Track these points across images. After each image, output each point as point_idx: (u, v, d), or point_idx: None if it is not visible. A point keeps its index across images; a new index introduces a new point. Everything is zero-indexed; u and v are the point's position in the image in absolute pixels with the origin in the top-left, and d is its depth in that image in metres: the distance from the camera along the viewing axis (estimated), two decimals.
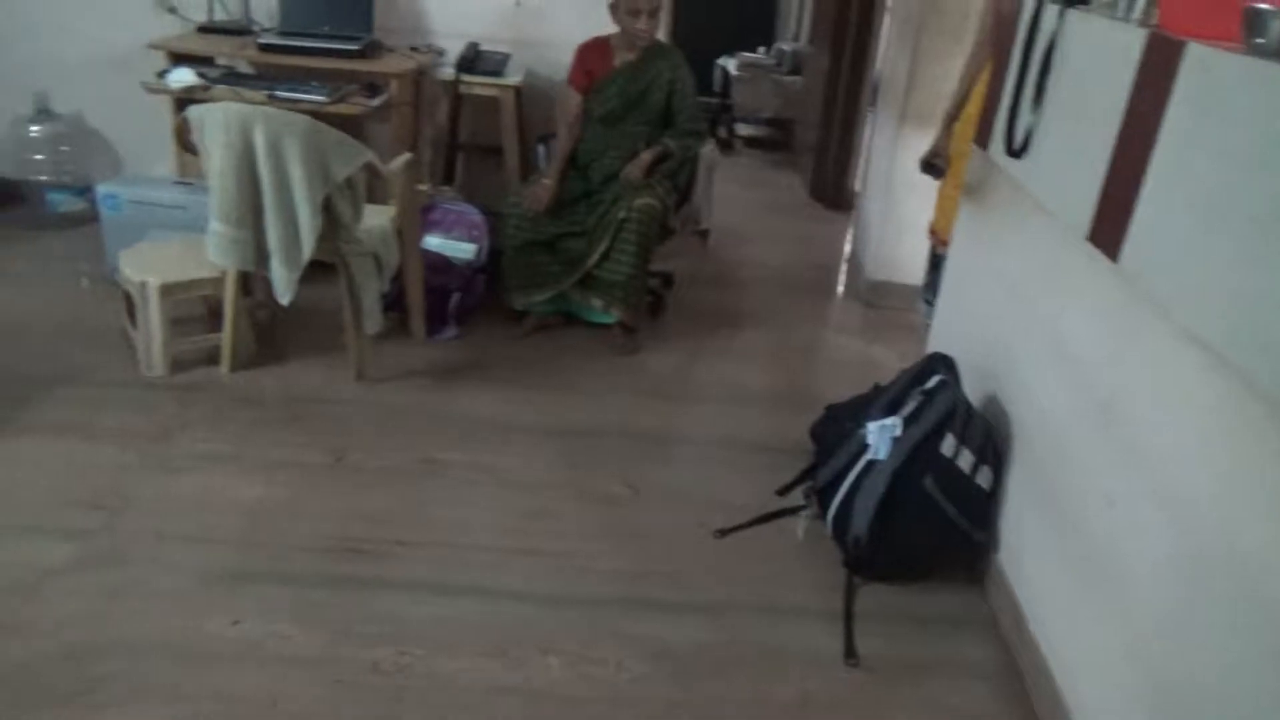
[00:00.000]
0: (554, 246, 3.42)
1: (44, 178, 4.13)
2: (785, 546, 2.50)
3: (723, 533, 2.50)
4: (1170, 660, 1.54)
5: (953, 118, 2.97)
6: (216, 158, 2.65)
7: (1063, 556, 1.99)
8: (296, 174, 2.64)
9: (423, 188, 3.51)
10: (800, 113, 6.59)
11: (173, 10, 3.90)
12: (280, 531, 2.37)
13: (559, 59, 3.78)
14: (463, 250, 3.56)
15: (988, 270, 2.63)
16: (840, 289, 4.45)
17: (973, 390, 2.47)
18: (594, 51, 3.46)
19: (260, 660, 1.97)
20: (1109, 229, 1.81)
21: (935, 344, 2.91)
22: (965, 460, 2.26)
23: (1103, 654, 1.77)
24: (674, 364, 3.47)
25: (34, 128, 4.08)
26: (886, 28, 5.11)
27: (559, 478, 2.71)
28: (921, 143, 3.34)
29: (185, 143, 2.78)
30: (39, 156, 4.12)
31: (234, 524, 2.39)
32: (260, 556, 2.28)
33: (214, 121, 2.63)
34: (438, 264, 3.46)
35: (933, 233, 3.31)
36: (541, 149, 3.75)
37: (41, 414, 2.76)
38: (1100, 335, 1.91)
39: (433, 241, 3.51)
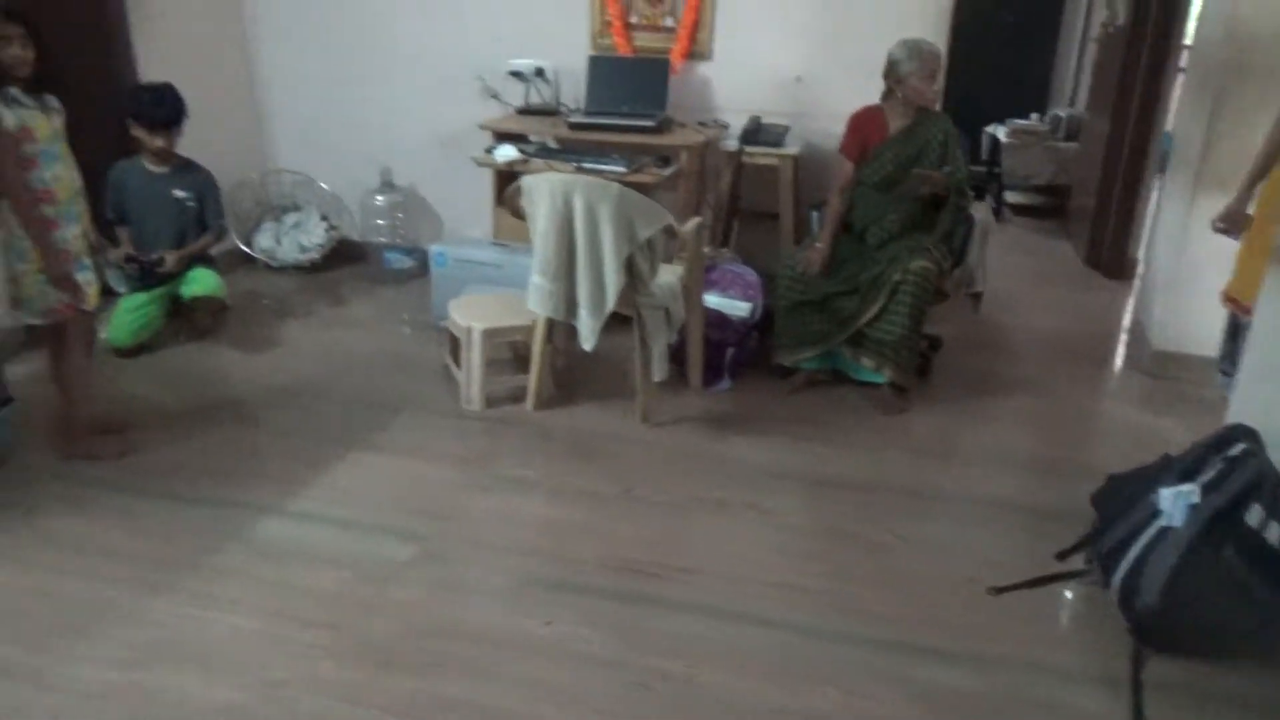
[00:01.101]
0: (825, 306, 3.57)
1: (383, 240, 4.85)
2: (1061, 610, 2.47)
3: (998, 590, 2.51)
4: None
5: (1256, 179, 2.86)
6: (542, 219, 3.06)
7: None
8: (607, 234, 2.99)
9: (705, 250, 3.81)
10: (1075, 179, 6.38)
11: (495, 96, 4.50)
12: (579, 549, 2.65)
13: (834, 129, 3.98)
14: (739, 308, 3.80)
15: None
16: (1120, 358, 4.27)
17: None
18: (868, 120, 3.62)
19: (565, 657, 2.23)
20: None
21: (1237, 416, 2.76)
22: (1275, 534, 2.16)
23: None
24: (942, 425, 3.50)
25: (378, 198, 4.81)
26: (1179, 89, 4.91)
27: (829, 524, 2.83)
28: (1218, 207, 3.21)
29: (513, 207, 3.22)
30: (380, 222, 4.85)
31: (540, 539, 2.71)
32: (563, 569, 2.57)
33: (542, 189, 3.05)
34: (715, 320, 3.71)
35: (1231, 299, 3.15)
36: (815, 214, 3.94)
37: (389, 436, 3.25)
38: None
39: (711, 299, 3.78)
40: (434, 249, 4.06)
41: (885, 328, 3.47)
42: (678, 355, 3.64)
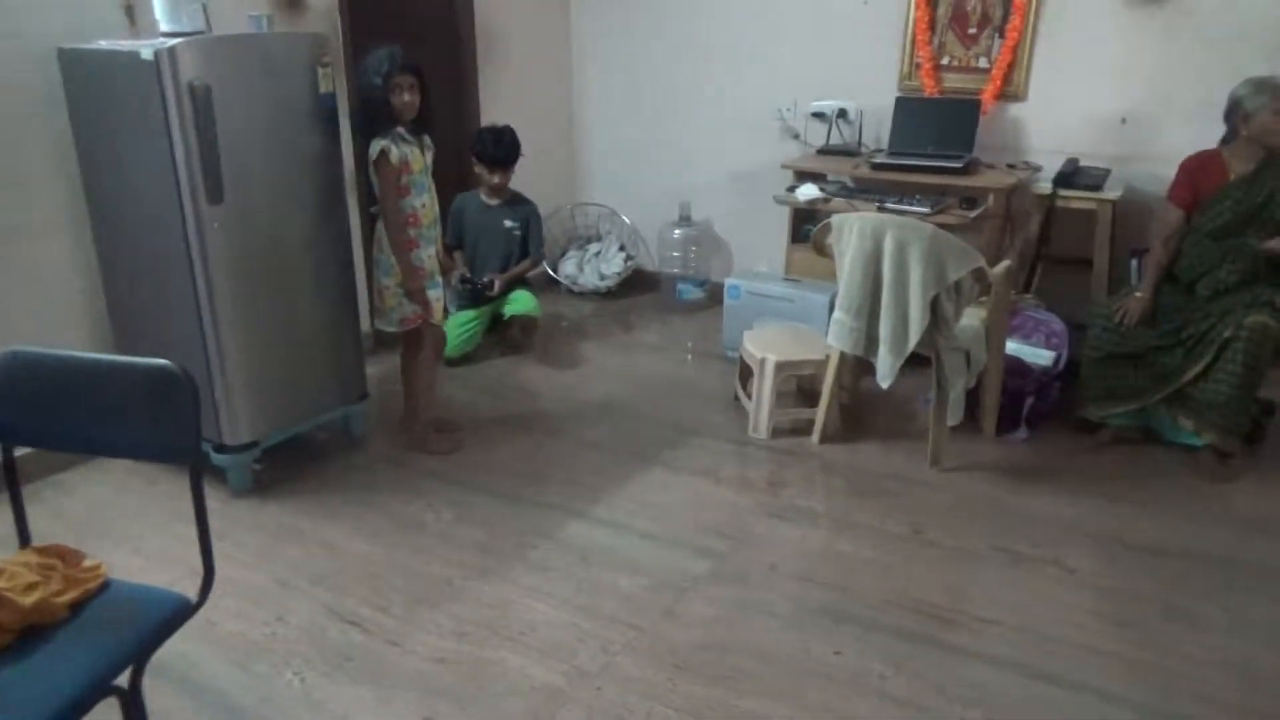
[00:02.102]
0: (1141, 359, 3.34)
1: (676, 271, 5.11)
2: None
3: None
4: None
5: None
6: (850, 257, 3.12)
7: None
8: (915, 274, 3.00)
9: (1011, 296, 3.69)
10: None
11: (796, 136, 4.63)
12: (867, 585, 2.66)
13: (1161, 173, 3.72)
14: (1040, 356, 3.64)
15: None
16: None
17: None
18: (1204, 166, 3.36)
19: (856, 688, 2.25)
20: None
21: None
22: None
23: None
24: (1273, 497, 3.15)
25: (675, 231, 5.08)
26: None
27: (1141, 590, 2.64)
28: None
29: (820, 245, 3.30)
30: (675, 254, 5.11)
31: (829, 570, 2.74)
32: (853, 602, 2.58)
33: (853, 226, 3.11)
34: (1014, 367, 3.58)
35: None
36: (1134, 262, 3.70)
37: (680, 456, 3.43)
38: None
39: (1012, 346, 3.65)
40: (729, 281, 4.23)
41: (1212, 387, 3.19)
42: (972, 400, 3.54)
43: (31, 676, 1.46)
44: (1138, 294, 3.39)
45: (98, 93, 2.91)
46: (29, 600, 1.54)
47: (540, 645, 2.40)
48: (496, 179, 4.25)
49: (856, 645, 2.40)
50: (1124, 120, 3.97)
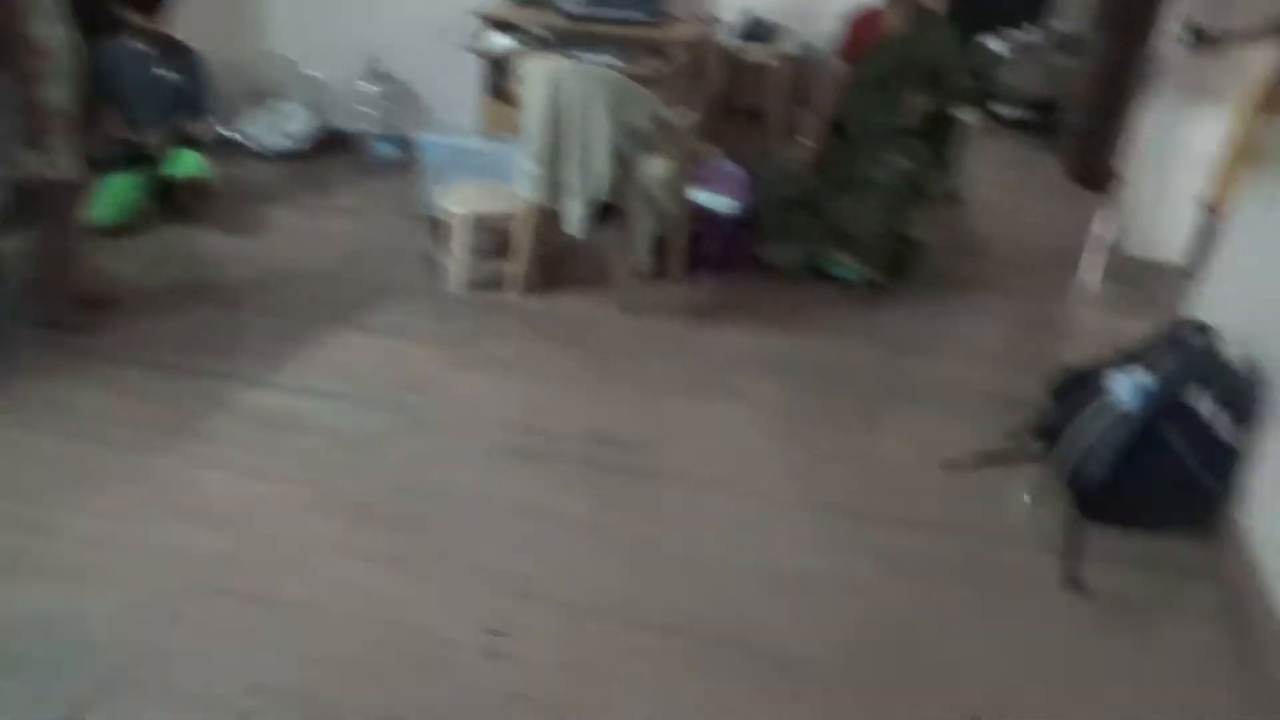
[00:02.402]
0: (812, 204, 3.62)
1: (371, 129, 4.83)
2: (1011, 485, 2.59)
3: (951, 466, 2.63)
4: None
5: None
6: (536, 105, 3.08)
7: None
8: (600, 122, 3.03)
9: (696, 147, 3.83)
10: (1067, 94, 6.35)
11: None
12: (555, 422, 2.76)
13: (831, 29, 3.97)
14: (725, 204, 3.83)
15: (1268, 235, 2.57)
16: (1095, 266, 4.35)
17: (1234, 353, 2.44)
18: (866, 22, 3.62)
19: (542, 518, 2.35)
20: None
21: (1197, 312, 2.86)
22: (1214, 414, 2.27)
23: None
24: (917, 321, 3.59)
25: (366, 86, 4.77)
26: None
27: (800, 405, 2.94)
28: (1204, 120, 3.26)
29: (504, 93, 3.23)
30: (368, 110, 4.81)
31: (518, 413, 2.81)
32: (542, 441, 2.67)
33: (537, 74, 3.06)
34: (701, 215, 3.75)
35: (1209, 204, 3.22)
36: (804, 113, 3.96)
37: (372, 316, 3.31)
38: None
39: (699, 195, 3.81)
40: (423, 139, 4.06)
41: (866, 226, 3.53)
42: (662, 247, 3.69)
43: None
44: (809, 143, 3.63)
45: None
46: None
47: (213, 515, 2.28)
48: (146, 21, 3.75)
49: (544, 480, 2.49)
50: None
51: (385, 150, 4.81)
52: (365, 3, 4.73)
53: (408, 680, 1.84)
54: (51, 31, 2.70)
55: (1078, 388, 2.66)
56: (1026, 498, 2.54)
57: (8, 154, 2.77)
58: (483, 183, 3.78)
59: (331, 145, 4.93)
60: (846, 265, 3.65)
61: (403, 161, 4.78)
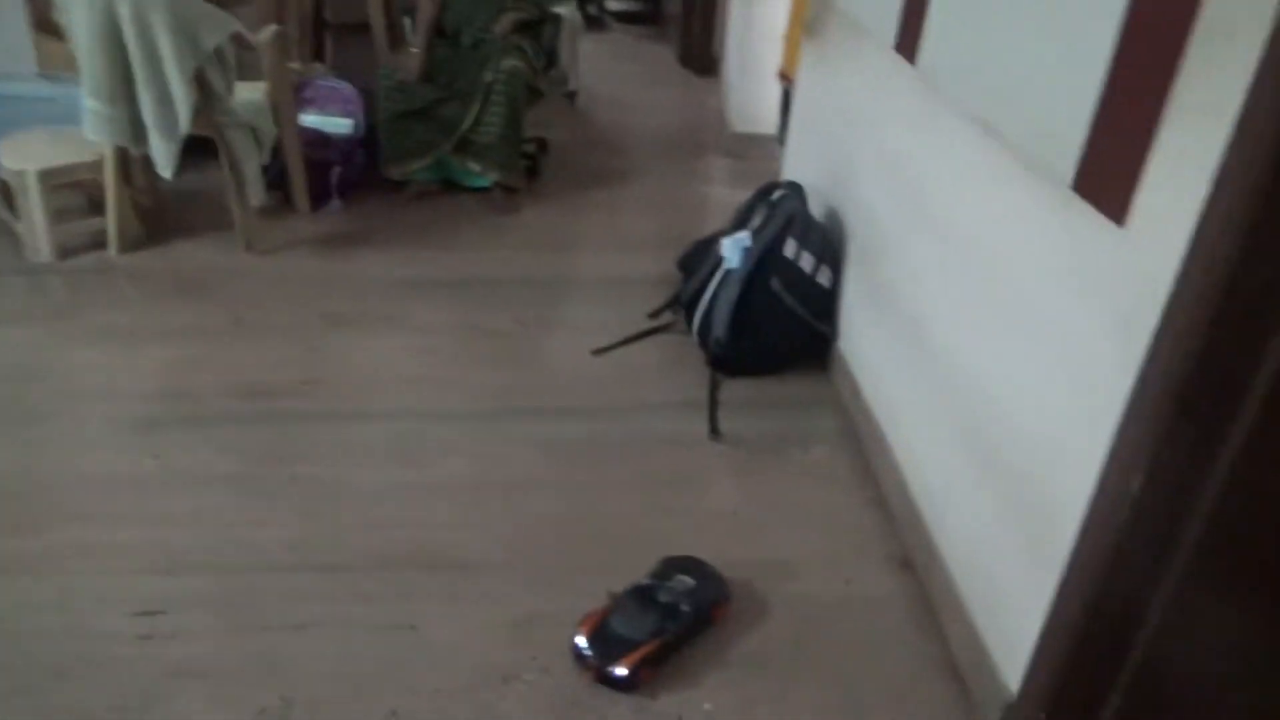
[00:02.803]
0: (429, 114, 3.55)
1: None
2: (656, 359, 2.80)
3: (599, 351, 2.78)
4: (970, 404, 1.90)
5: None
6: (83, 34, 2.70)
7: (886, 333, 2.33)
8: (165, 45, 2.71)
9: (294, 66, 3.58)
10: None
11: None
12: (191, 384, 2.55)
13: None
14: (339, 125, 3.65)
15: (828, 100, 2.91)
16: (708, 145, 4.70)
17: (819, 207, 2.77)
18: None
19: (184, 483, 2.18)
20: (909, 38, 2.10)
21: (786, 174, 3.20)
22: (807, 262, 2.58)
23: (919, 408, 2.13)
24: (554, 219, 3.69)
25: None
26: None
27: (452, 320, 2.94)
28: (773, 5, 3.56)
29: (48, 25, 2.80)
30: None
31: (143, 383, 2.55)
32: (172, 405, 2.46)
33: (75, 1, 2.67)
34: (316, 140, 3.55)
35: (783, 75, 3.56)
36: (408, 21, 3.83)
37: None
38: (909, 131, 2.21)
39: (309, 119, 3.59)
40: None
41: (486, 130, 3.53)
42: (280, 180, 3.47)
43: None
44: (413, 49, 3.53)
45: None
46: None
47: None
48: None
49: (179, 445, 2.30)
50: None
51: None
52: None
53: (51, 689, 1.67)
54: None
55: (700, 258, 2.90)
56: (660, 364, 2.75)
57: None
58: (52, 130, 3.30)
59: None
60: (476, 173, 3.65)
61: None
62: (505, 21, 3.55)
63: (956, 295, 1.91)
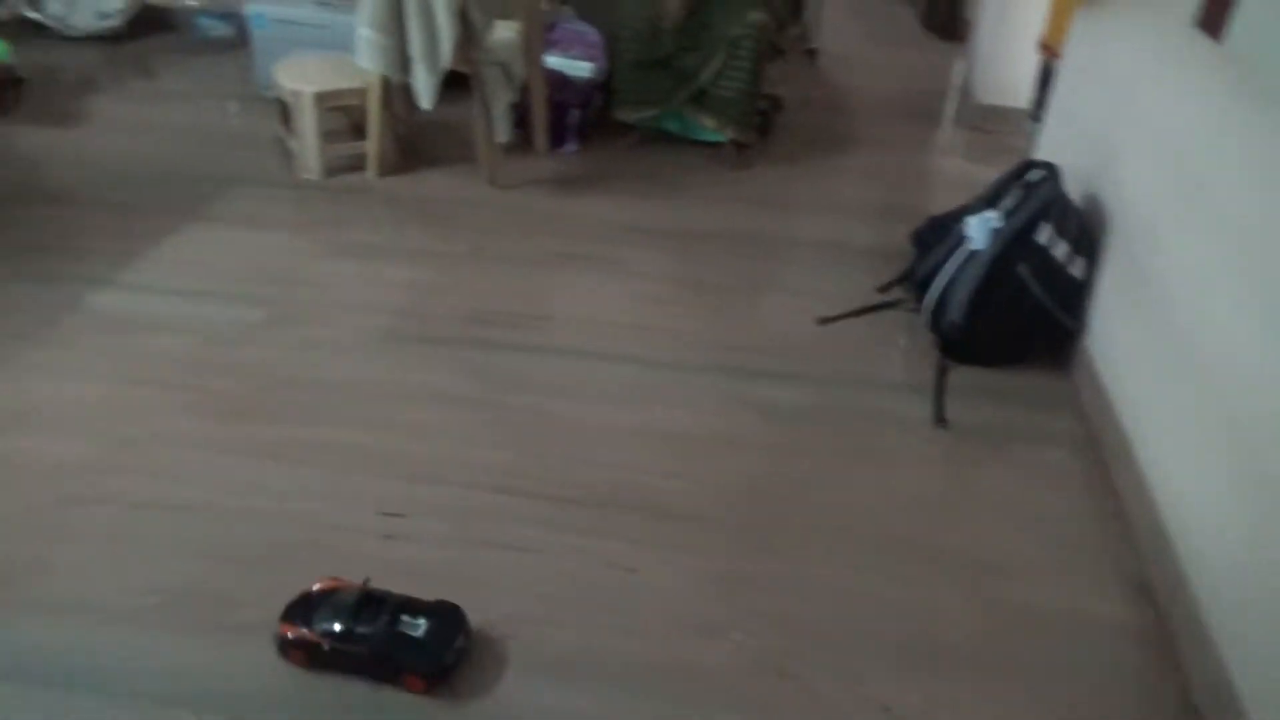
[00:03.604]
0: (667, 64, 3.55)
1: (193, 3, 4.42)
2: (882, 335, 2.72)
3: (825, 320, 2.73)
4: (1245, 420, 1.73)
5: None
6: None
7: (1144, 333, 2.16)
8: None
9: (544, 6, 3.67)
10: None
11: None
12: (432, 305, 2.70)
13: None
14: (581, 68, 3.73)
15: (1098, 72, 2.69)
16: (949, 115, 4.48)
17: (1075, 191, 2.59)
18: None
19: (425, 399, 2.33)
20: (1215, 12, 1.90)
21: (1041, 153, 3.00)
22: (1060, 250, 2.42)
23: (1186, 428, 1.96)
24: (782, 179, 3.64)
25: None
26: None
27: (676, 270, 2.97)
28: None
29: None
30: None
31: (391, 298, 2.73)
32: (417, 323, 2.62)
33: None
34: (557, 82, 3.65)
35: (1044, 47, 3.33)
36: None
37: (223, 207, 3.13)
38: (1199, 119, 2.02)
39: (553, 60, 3.69)
40: (251, 9, 3.75)
41: (725, 84, 3.50)
42: (522, 119, 3.58)
43: None
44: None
45: None
46: None
47: (75, 424, 2.16)
48: None
49: (423, 363, 2.46)
50: None
51: (212, 26, 4.43)
52: None
53: (308, 568, 1.83)
54: None
55: (937, 234, 2.78)
56: (886, 340, 2.67)
57: None
58: (325, 55, 3.55)
59: (151, 23, 4.51)
60: (709, 128, 3.63)
61: (233, 38, 4.44)
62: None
63: (1242, 302, 1.74)
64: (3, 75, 3.61)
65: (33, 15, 4.29)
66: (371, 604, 1.63)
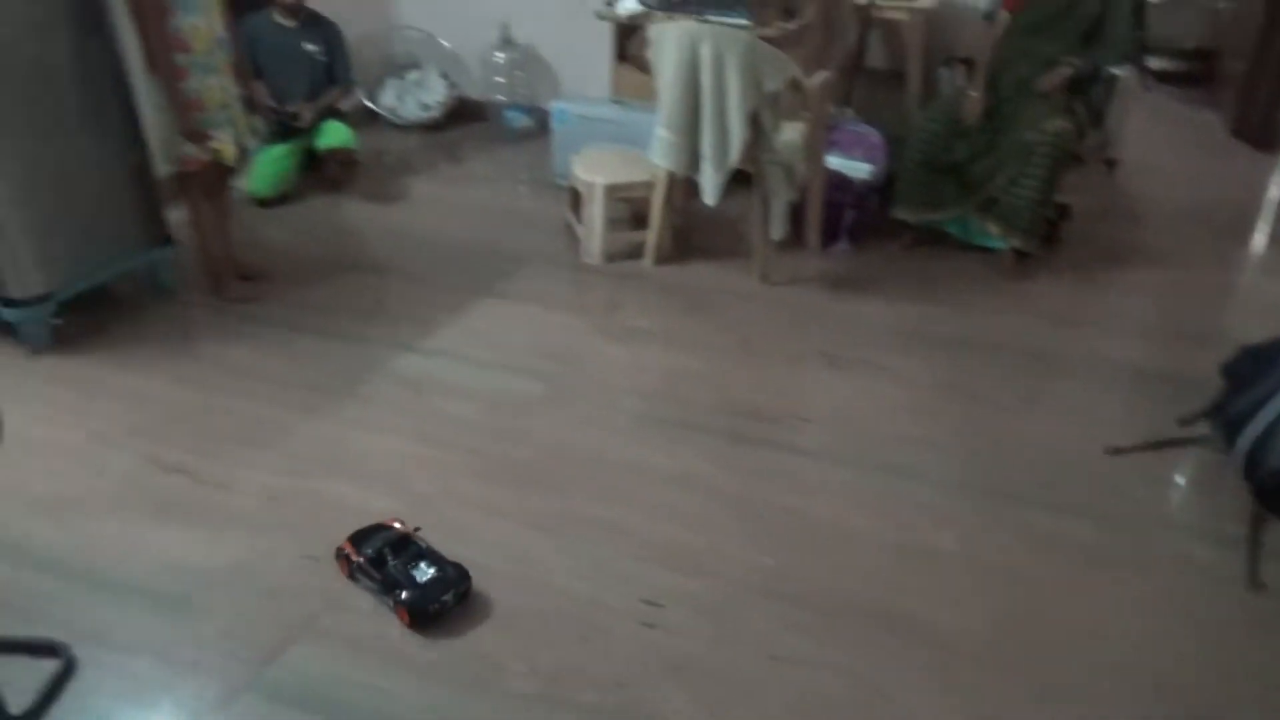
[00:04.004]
0: (958, 167, 3.47)
1: (502, 98, 4.89)
2: (1180, 474, 2.47)
3: (1116, 450, 2.52)
4: None
5: None
6: (668, 70, 3.06)
7: None
8: (734, 85, 2.98)
9: (829, 109, 3.74)
10: (1227, 43, 5.92)
11: None
12: (699, 393, 2.77)
13: None
14: (860, 169, 3.74)
15: None
16: (1261, 232, 4.07)
17: None
18: None
19: (689, 487, 2.37)
20: None
21: None
22: None
23: None
24: (1068, 292, 3.43)
25: (498, 55, 4.83)
26: None
27: (949, 382, 2.86)
28: None
29: (640, 60, 3.22)
30: (500, 79, 4.88)
31: (660, 383, 2.83)
32: (683, 410, 2.69)
33: (669, 37, 3.04)
34: (835, 181, 3.67)
35: None
36: (945, 72, 3.81)
37: (513, 284, 3.39)
38: None
39: (832, 160, 3.73)
40: (555, 106, 4.09)
41: (1016, 191, 3.37)
42: (796, 216, 3.63)
43: None
44: (972, 93, 3.43)
45: None
46: None
47: (376, 475, 2.39)
48: None
49: (689, 450, 2.51)
50: None
51: (517, 118, 4.87)
52: None
53: (570, 644, 1.90)
54: (190, 22, 2.80)
55: (1257, 369, 2.50)
56: (1180, 480, 2.42)
57: (169, 147, 2.93)
58: (616, 149, 3.80)
59: (465, 114, 5.03)
60: (994, 235, 3.51)
61: (533, 129, 4.84)
62: (1056, 76, 3.35)
63: None
64: (345, 157, 4.14)
65: (370, 105, 4.92)
66: (403, 545, 2.04)
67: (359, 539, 2.07)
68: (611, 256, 3.57)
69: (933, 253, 3.64)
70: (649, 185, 3.47)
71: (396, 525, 2.11)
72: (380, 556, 2.01)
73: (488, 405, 2.68)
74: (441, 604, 1.93)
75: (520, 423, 2.61)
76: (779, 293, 3.37)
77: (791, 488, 2.38)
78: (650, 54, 3.17)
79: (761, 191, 3.26)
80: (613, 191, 3.46)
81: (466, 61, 4.98)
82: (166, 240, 3.24)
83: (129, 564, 2.10)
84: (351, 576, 2.04)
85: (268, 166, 3.93)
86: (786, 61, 3.02)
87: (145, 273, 3.23)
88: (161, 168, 3.04)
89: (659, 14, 3.87)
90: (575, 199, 3.68)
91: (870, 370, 2.91)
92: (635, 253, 3.59)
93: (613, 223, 3.58)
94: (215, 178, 3.10)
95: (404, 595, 1.93)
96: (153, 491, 2.33)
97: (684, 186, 3.57)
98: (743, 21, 3.70)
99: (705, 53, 3.00)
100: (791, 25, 3.78)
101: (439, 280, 3.41)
